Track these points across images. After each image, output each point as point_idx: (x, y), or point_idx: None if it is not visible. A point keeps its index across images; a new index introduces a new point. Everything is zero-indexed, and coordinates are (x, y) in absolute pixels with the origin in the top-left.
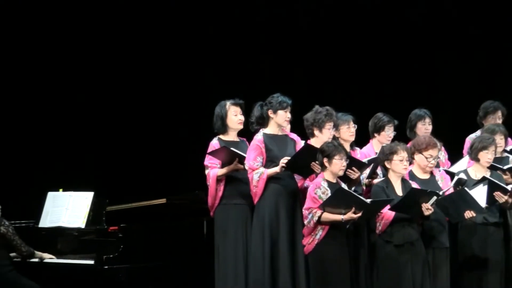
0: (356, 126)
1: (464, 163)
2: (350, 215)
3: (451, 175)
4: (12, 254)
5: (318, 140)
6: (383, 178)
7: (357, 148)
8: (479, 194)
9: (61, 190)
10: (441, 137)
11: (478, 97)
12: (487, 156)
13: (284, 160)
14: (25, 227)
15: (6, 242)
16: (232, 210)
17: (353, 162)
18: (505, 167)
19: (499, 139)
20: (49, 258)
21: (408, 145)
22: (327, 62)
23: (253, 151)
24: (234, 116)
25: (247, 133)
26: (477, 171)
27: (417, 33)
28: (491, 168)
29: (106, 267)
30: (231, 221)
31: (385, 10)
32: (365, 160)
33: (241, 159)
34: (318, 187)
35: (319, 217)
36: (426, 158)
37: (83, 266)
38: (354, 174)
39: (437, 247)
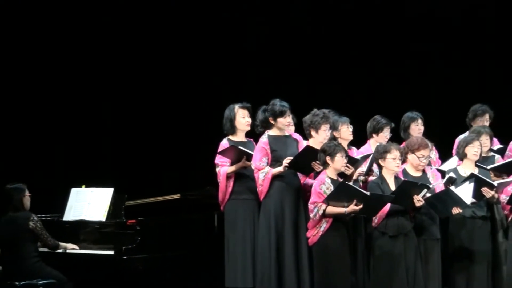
0: (352, 126)
1: (453, 161)
2: (352, 207)
3: (442, 173)
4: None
5: (315, 140)
6: (378, 175)
7: (353, 147)
8: (466, 191)
9: (83, 186)
10: (433, 137)
11: (468, 100)
12: (473, 150)
13: (287, 160)
14: (50, 220)
15: (34, 236)
16: (240, 205)
17: (349, 160)
18: (489, 167)
19: (485, 139)
20: (71, 248)
21: (402, 145)
22: (328, 68)
23: (259, 152)
24: (242, 119)
25: (254, 134)
26: (466, 168)
27: (411, 41)
28: (479, 167)
29: (125, 257)
30: (240, 215)
31: (377, 19)
32: (358, 157)
33: (249, 157)
34: (323, 183)
35: (324, 210)
36: (418, 157)
37: (103, 256)
38: (348, 170)
39: (428, 238)
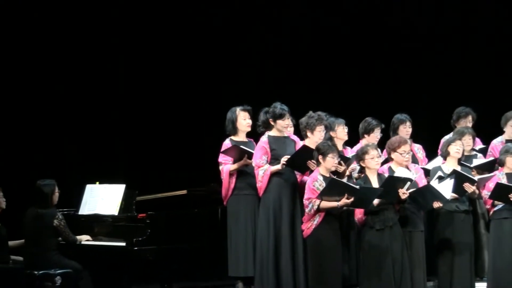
0: (347, 127)
1: (438, 161)
2: (344, 200)
3: (427, 171)
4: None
5: (311, 141)
6: (356, 175)
7: (348, 147)
8: (447, 187)
9: (97, 183)
10: (420, 138)
11: (452, 103)
12: (455, 148)
13: (284, 159)
14: (67, 214)
15: (56, 232)
16: (242, 200)
17: (340, 157)
18: (472, 165)
19: (468, 139)
20: (86, 240)
21: None
22: (325, 74)
23: (259, 151)
24: (243, 120)
25: (254, 135)
26: (449, 166)
27: (398, 47)
28: (462, 165)
29: (136, 248)
30: (242, 209)
31: (366, 29)
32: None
33: (250, 155)
34: (315, 180)
35: (318, 205)
36: (401, 154)
37: (116, 248)
38: (340, 167)
39: (413, 230)
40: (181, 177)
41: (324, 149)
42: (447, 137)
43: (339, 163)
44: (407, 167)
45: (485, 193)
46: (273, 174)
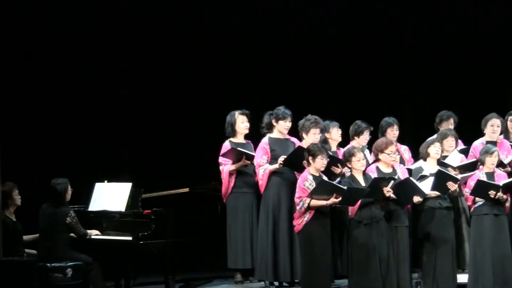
0: (340, 130)
1: (420, 162)
2: (332, 200)
3: (410, 171)
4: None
5: (305, 142)
6: (349, 174)
7: (341, 148)
8: (427, 184)
9: (106, 181)
10: (406, 139)
11: (435, 107)
12: (434, 150)
13: (281, 159)
14: (77, 211)
15: (69, 228)
16: (241, 198)
17: (335, 160)
18: (455, 165)
19: (451, 141)
20: (95, 234)
21: None
22: (324, 80)
23: (260, 151)
24: (242, 124)
25: (251, 137)
26: (429, 166)
27: (386, 53)
28: (442, 165)
29: (142, 242)
30: (240, 206)
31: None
32: None
33: (248, 157)
34: (306, 180)
35: (309, 203)
36: (389, 154)
37: (123, 242)
38: (336, 169)
39: (398, 225)
40: (183, 176)
41: (314, 151)
42: (430, 139)
43: (336, 166)
44: (393, 167)
45: (467, 191)
46: (273, 173)
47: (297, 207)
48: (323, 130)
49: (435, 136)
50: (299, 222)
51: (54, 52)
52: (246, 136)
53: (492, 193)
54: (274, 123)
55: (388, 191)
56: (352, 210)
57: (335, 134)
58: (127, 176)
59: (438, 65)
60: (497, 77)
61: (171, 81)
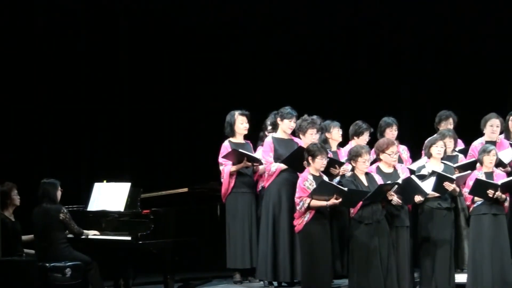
0: (341, 130)
1: (422, 161)
2: (332, 200)
3: (412, 171)
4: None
5: (303, 142)
6: (351, 173)
7: (342, 148)
8: (428, 184)
9: (105, 181)
10: (405, 139)
11: (435, 107)
12: (436, 149)
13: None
14: (76, 210)
15: (63, 225)
16: (240, 197)
17: (334, 162)
18: (454, 165)
19: (449, 141)
20: (93, 234)
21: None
22: (321, 80)
23: (268, 149)
24: (241, 124)
25: (251, 137)
26: (433, 165)
27: (386, 53)
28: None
29: (140, 242)
30: (239, 206)
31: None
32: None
33: (249, 159)
34: (306, 180)
35: (309, 204)
36: (389, 155)
37: (122, 241)
38: (335, 171)
39: (399, 225)
40: (182, 175)
41: (314, 151)
42: (431, 138)
43: (334, 167)
44: (394, 167)
45: (465, 190)
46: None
47: (297, 207)
48: (322, 130)
49: (434, 136)
50: (300, 222)
51: (54, 52)
52: (246, 136)
53: (490, 192)
54: (279, 122)
55: (391, 194)
56: (353, 209)
57: (335, 134)
58: (126, 176)
59: (438, 65)
60: (497, 77)
61: (171, 81)
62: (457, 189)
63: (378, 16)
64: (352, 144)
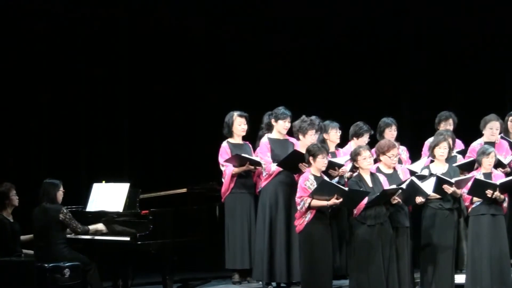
0: (340, 131)
1: (423, 162)
2: (333, 200)
3: (413, 172)
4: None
5: (302, 143)
6: (356, 173)
7: (340, 149)
8: (429, 185)
9: (104, 181)
10: (404, 140)
11: (435, 107)
12: (440, 151)
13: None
14: (75, 211)
15: (63, 226)
16: (239, 198)
17: (333, 164)
18: (453, 165)
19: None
20: (101, 228)
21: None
22: (319, 83)
23: (265, 150)
24: (239, 126)
25: (250, 137)
26: (437, 166)
27: (386, 53)
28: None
29: (139, 242)
30: (238, 206)
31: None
32: (344, 157)
33: (252, 162)
34: (307, 180)
35: (309, 203)
36: (390, 157)
37: (121, 242)
38: (334, 172)
39: (399, 226)
40: (181, 176)
41: (314, 151)
42: (430, 139)
43: (333, 169)
44: (394, 168)
45: (464, 191)
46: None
47: (298, 207)
48: (321, 130)
49: (434, 137)
50: (300, 222)
51: (54, 52)
52: (244, 137)
53: (489, 192)
54: (274, 123)
55: (394, 198)
56: (357, 209)
57: (333, 135)
58: (125, 176)
59: (438, 65)
60: (497, 77)
61: (171, 81)
62: (458, 192)
63: (378, 16)
64: (351, 144)
